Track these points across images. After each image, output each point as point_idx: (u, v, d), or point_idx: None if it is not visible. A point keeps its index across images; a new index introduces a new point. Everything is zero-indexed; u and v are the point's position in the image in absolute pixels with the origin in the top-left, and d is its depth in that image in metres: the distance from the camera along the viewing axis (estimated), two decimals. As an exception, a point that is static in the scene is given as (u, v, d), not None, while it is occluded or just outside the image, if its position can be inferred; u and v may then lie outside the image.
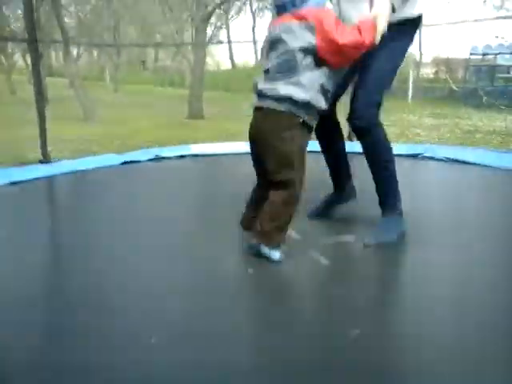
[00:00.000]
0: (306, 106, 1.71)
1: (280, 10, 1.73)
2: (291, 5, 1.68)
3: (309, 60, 1.66)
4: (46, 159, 3.87)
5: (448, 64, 19.81)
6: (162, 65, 23.81)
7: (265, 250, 1.83)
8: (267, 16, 22.67)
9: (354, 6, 1.81)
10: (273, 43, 1.74)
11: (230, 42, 25.46)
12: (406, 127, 8.14)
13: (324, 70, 1.69)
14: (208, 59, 25.96)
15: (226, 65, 28.01)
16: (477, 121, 10.54)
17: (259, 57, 26.17)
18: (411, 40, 1.87)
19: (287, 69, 1.68)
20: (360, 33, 1.62)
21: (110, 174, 3.43)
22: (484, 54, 15.22)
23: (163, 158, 3.79)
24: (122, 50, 17.63)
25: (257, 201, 1.91)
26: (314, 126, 1.85)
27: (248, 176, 3.28)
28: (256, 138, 1.82)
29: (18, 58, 17.64)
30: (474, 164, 3.36)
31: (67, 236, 2.25)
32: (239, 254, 1.94)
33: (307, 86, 1.67)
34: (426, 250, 1.98)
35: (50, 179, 3.33)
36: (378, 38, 1.65)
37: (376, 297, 1.66)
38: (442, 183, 3.04)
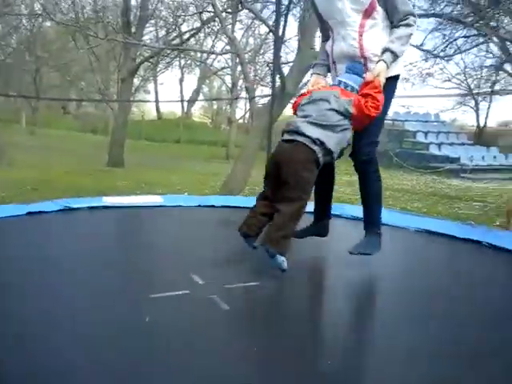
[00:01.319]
0: (328, 153, 2.16)
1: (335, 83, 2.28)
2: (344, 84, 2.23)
3: (342, 122, 2.16)
4: None
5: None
6: (85, 111, 23.33)
7: (275, 257, 2.11)
8: (196, 72, 23.27)
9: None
10: (316, 100, 2.21)
11: (157, 101, 25.59)
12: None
13: (348, 132, 2.22)
14: (134, 108, 25.88)
15: (153, 114, 28.09)
16: (387, 179, 11.35)
17: (185, 109, 26.57)
18: (394, 91, 2.38)
19: (326, 122, 2.14)
20: (378, 104, 2.15)
21: (10, 225, 3.20)
22: (393, 120, 16.68)
23: (73, 209, 3.62)
24: (41, 94, 17.02)
25: (263, 213, 2.23)
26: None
27: (160, 230, 3.23)
28: (281, 162, 2.14)
29: None
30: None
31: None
32: (140, 305, 1.87)
33: (337, 143, 2.17)
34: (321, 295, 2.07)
35: None
36: (381, 89, 2.19)
37: (271, 344, 1.64)
38: (337, 240, 3.10)
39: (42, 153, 11.00)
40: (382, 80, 2.20)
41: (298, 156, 2.12)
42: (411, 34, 2.20)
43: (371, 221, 2.43)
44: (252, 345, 1.64)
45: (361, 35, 2.17)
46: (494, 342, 1.73)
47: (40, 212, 3.44)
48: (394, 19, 2.17)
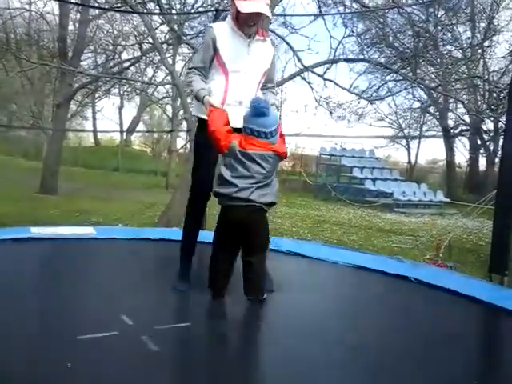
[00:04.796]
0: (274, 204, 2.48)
1: (258, 135, 2.30)
2: (269, 135, 2.32)
3: (274, 173, 2.41)
4: None
5: (303, 159, 21.95)
6: (16, 134, 22.13)
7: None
8: (136, 99, 22.94)
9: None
10: (247, 159, 2.30)
11: (95, 131, 24.90)
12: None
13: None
14: (70, 134, 24.92)
15: (90, 141, 27.22)
16: (325, 212, 11.62)
17: (125, 136, 26.02)
18: None
19: (266, 181, 2.35)
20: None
21: None
22: (331, 155, 17.27)
23: (-5, 240, 3.34)
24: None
25: (229, 271, 2.40)
26: None
27: (90, 266, 3.04)
28: (251, 226, 2.37)
29: None
30: (311, 257, 3.53)
31: None
32: (65, 347, 1.75)
33: (277, 193, 2.42)
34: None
35: None
36: None
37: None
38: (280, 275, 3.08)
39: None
40: None
41: (264, 219, 2.43)
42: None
43: None
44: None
45: (257, 89, 2.65)
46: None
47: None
48: (268, 84, 2.75)
